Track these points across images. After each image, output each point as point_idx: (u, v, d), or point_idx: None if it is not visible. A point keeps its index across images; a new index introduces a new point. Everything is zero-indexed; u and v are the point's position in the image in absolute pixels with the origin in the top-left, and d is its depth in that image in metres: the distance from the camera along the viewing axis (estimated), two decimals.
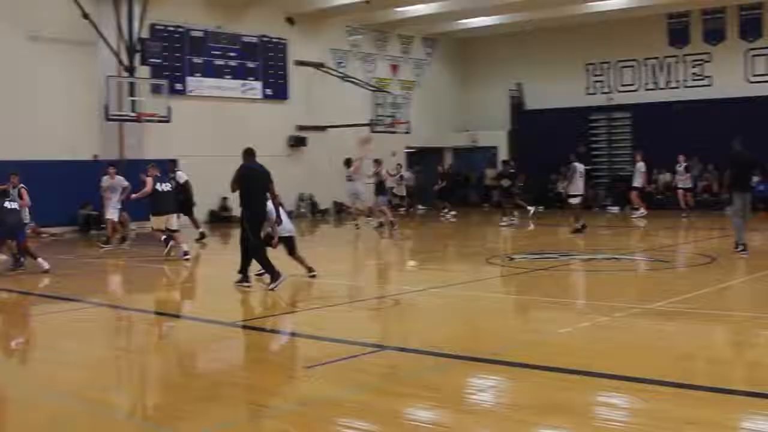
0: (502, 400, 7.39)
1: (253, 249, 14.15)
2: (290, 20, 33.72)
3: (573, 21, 35.92)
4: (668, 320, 10.89)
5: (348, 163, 26.42)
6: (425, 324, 11.44)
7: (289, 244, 14.89)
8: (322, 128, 34.25)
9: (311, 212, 34.05)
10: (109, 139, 28.19)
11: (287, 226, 14.76)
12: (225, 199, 29.33)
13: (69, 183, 25.23)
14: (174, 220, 19.73)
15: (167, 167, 22.78)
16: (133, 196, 20.57)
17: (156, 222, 19.86)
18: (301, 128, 33.90)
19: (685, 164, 29.48)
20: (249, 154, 14.35)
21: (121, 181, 21.69)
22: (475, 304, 12.95)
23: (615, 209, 33.41)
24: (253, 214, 14.10)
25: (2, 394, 8.18)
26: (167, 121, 27.16)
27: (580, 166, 23.90)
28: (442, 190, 34.03)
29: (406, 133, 34.21)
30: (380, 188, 27.06)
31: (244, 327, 11.24)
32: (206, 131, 29.66)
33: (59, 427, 6.89)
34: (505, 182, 27.97)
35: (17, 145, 25.65)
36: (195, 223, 23.28)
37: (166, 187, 19.84)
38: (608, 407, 7.05)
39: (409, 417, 6.92)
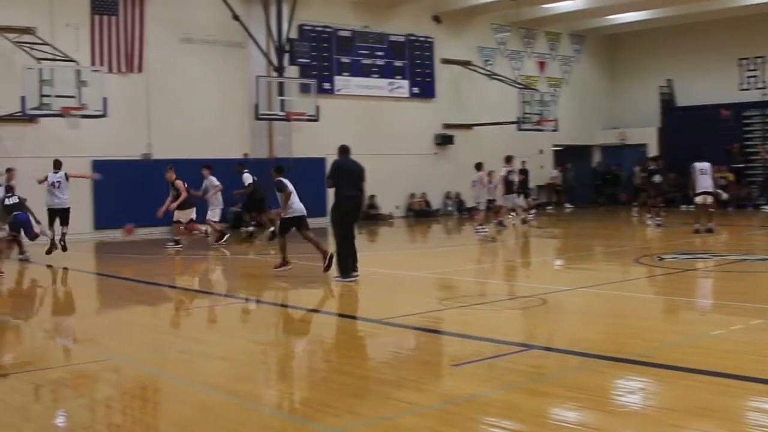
0: (650, 403, 7.26)
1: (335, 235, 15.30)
2: (437, 19, 33.89)
3: (724, 14, 34.93)
4: None
5: (479, 167, 25.51)
6: (572, 323, 11.33)
7: (299, 222, 15.73)
8: (469, 126, 34.29)
9: (458, 210, 34.12)
10: (259, 137, 28.91)
11: (295, 206, 15.61)
12: (373, 197, 29.69)
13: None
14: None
15: (234, 168, 23.79)
16: (174, 204, 21.38)
17: (181, 215, 21.59)
18: (448, 126, 34.04)
19: None
20: (343, 151, 15.20)
21: (212, 180, 22.76)
22: (623, 304, 12.75)
23: None
24: (338, 201, 14.91)
25: (154, 386, 8.47)
26: (315, 120, 27.63)
27: (698, 164, 23.25)
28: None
29: (554, 131, 33.88)
30: (509, 188, 26.76)
31: (390, 324, 11.34)
32: (354, 130, 29.95)
33: (208, 419, 7.07)
34: (657, 178, 27.31)
35: (172, 143, 26.60)
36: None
37: (186, 184, 21.80)
38: (761, 412, 6.85)
39: (555, 417, 6.87)
